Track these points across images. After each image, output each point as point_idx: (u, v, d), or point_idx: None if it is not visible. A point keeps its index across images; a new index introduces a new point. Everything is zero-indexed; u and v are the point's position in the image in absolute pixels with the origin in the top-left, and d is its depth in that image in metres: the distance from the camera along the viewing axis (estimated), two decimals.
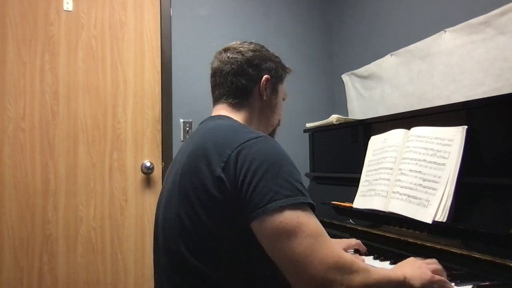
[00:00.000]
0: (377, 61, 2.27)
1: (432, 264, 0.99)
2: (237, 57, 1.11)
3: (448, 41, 1.79)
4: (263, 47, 1.18)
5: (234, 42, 1.17)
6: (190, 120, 2.42)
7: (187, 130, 2.41)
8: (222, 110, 1.11)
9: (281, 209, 0.83)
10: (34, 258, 2.11)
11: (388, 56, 2.18)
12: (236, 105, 1.11)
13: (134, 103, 2.32)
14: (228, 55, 1.12)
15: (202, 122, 1.12)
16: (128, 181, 2.29)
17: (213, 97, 1.16)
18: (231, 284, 0.90)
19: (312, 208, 0.87)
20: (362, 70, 2.41)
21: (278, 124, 1.22)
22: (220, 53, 1.15)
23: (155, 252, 1.07)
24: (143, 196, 2.31)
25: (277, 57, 1.20)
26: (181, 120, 2.41)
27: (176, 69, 2.41)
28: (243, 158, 0.88)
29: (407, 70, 2.05)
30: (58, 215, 2.16)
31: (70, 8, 2.23)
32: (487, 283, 0.99)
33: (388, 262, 1.23)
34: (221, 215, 0.89)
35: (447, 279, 1.01)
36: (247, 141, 0.91)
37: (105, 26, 2.29)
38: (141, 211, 2.30)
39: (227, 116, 1.09)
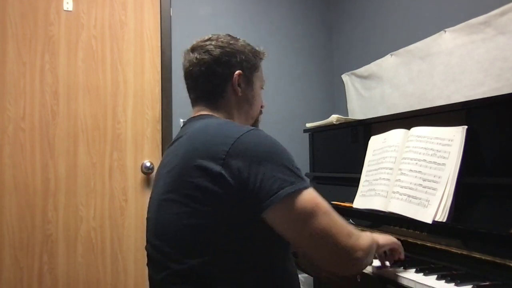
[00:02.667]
0: (377, 61, 2.27)
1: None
2: (204, 58, 1.07)
3: (448, 41, 1.79)
4: (231, 38, 1.12)
5: (201, 38, 1.12)
6: None
7: None
8: (202, 111, 1.10)
9: (293, 194, 0.88)
10: (34, 258, 2.11)
11: (388, 56, 2.18)
12: (213, 105, 1.09)
13: (134, 103, 2.32)
14: (196, 55, 1.08)
15: (184, 125, 1.11)
16: (128, 181, 2.29)
17: (190, 99, 1.14)
18: (228, 280, 0.90)
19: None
20: (362, 70, 2.41)
21: (260, 113, 1.20)
22: (188, 53, 1.11)
23: (148, 255, 1.06)
24: (143, 196, 2.31)
25: (247, 45, 1.15)
26: (181, 120, 2.41)
27: (176, 69, 2.41)
28: (243, 152, 0.90)
29: (407, 70, 2.05)
30: (58, 215, 2.16)
31: (70, 8, 2.23)
32: (487, 283, 0.99)
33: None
34: (223, 211, 0.89)
35: (448, 279, 1.01)
36: (241, 135, 0.92)
37: (105, 26, 2.29)
38: (141, 211, 2.30)
39: (209, 115, 1.08)
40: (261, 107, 1.20)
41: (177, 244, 0.93)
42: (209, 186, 0.89)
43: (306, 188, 0.91)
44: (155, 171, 2.31)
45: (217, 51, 1.08)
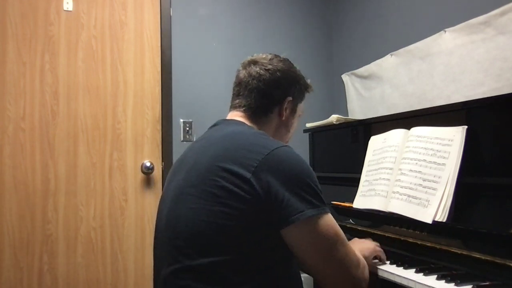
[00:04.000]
0: (377, 61, 2.27)
1: (374, 242, 1.25)
2: (265, 75, 1.12)
3: (448, 41, 1.79)
4: (291, 66, 1.19)
5: (263, 55, 1.17)
6: (190, 120, 2.42)
7: (187, 130, 2.41)
8: (238, 117, 1.13)
9: (316, 217, 0.92)
10: (34, 258, 2.11)
11: (388, 56, 2.18)
12: (253, 118, 1.13)
13: (134, 103, 2.32)
14: (257, 70, 1.13)
15: (215, 125, 1.14)
16: (128, 181, 2.29)
17: (232, 102, 1.17)
18: (237, 282, 0.91)
19: None
20: (362, 70, 2.41)
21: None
22: (249, 64, 1.15)
23: (156, 248, 1.07)
24: (143, 196, 2.31)
25: (302, 76, 1.21)
26: (181, 120, 2.41)
27: (176, 69, 2.41)
28: (276, 166, 0.92)
29: (407, 70, 2.05)
30: (58, 215, 2.16)
31: (70, 8, 2.23)
32: (487, 283, 0.99)
33: (388, 262, 1.23)
34: (244, 214, 0.90)
35: (448, 279, 1.01)
36: (275, 149, 0.95)
37: (105, 26, 2.29)
38: (141, 211, 2.30)
39: (243, 123, 1.11)
40: None
41: (191, 239, 0.94)
42: (235, 189, 0.91)
43: (327, 213, 0.94)
44: (155, 171, 2.32)
45: (278, 74, 1.13)
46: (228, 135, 1.03)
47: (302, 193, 0.91)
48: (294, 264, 1.02)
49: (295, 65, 1.21)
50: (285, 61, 1.18)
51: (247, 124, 1.10)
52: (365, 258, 1.10)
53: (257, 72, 1.12)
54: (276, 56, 1.18)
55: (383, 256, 1.22)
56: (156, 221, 1.10)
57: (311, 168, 0.99)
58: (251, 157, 0.93)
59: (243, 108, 1.13)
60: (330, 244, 0.93)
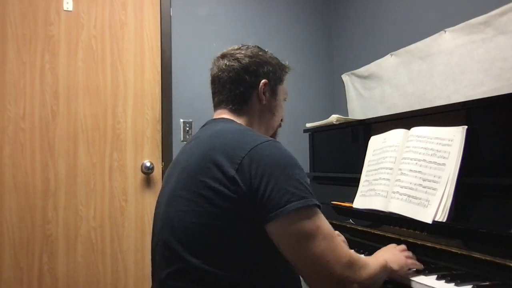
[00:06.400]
0: (377, 61, 2.27)
1: (404, 250, 1.16)
2: (233, 65, 1.12)
3: (448, 41, 1.79)
4: (260, 50, 1.18)
5: (231, 47, 1.17)
6: (190, 120, 2.42)
7: (187, 130, 2.41)
8: (223, 114, 1.13)
9: (299, 210, 0.88)
10: (34, 258, 2.11)
11: (388, 56, 2.18)
12: (236, 111, 1.12)
13: (134, 103, 2.32)
14: (225, 62, 1.13)
15: (204, 125, 1.14)
16: (128, 181, 2.29)
17: (213, 102, 1.18)
18: (232, 282, 0.91)
19: (320, 209, 0.94)
20: (362, 70, 2.41)
21: (279, 126, 1.24)
22: (218, 59, 1.16)
23: (153, 252, 1.07)
24: (143, 196, 2.31)
25: (274, 58, 1.20)
26: (181, 120, 2.41)
27: (176, 69, 2.41)
28: (258, 161, 0.91)
29: (407, 70, 2.05)
30: (58, 215, 2.16)
31: (70, 8, 2.23)
32: (487, 283, 0.99)
33: None
34: (233, 214, 0.90)
35: (448, 279, 1.01)
36: (259, 144, 0.94)
37: (105, 26, 2.29)
38: (141, 211, 2.30)
39: (230, 120, 1.11)
40: (281, 120, 1.24)
41: (185, 241, 0.94)
42: (221, 189, 0.90)
43: (314, 206, 0.91)
44: (155, 171, 2.31)
45: (246, 60, 1.13)
46: (214, 134, 1.03)
47: (285, 186, 0.89)
48: None
49: (266, 50, 1.19)
50: (254, 47, 1.17)
51: (234, 121, 1.10)
52: (393, 271, 1.05)
53: (225, 64, 1.13)
54: (244, 45, 1.17)
55: (418, 265, 1.12)
56: (153, 225, 1.10)
57: (297, 161, 0.96)
58: (235, 154, 0.92)
59: (223, 104, 1.13)
60: (309, 237, 0.88)
